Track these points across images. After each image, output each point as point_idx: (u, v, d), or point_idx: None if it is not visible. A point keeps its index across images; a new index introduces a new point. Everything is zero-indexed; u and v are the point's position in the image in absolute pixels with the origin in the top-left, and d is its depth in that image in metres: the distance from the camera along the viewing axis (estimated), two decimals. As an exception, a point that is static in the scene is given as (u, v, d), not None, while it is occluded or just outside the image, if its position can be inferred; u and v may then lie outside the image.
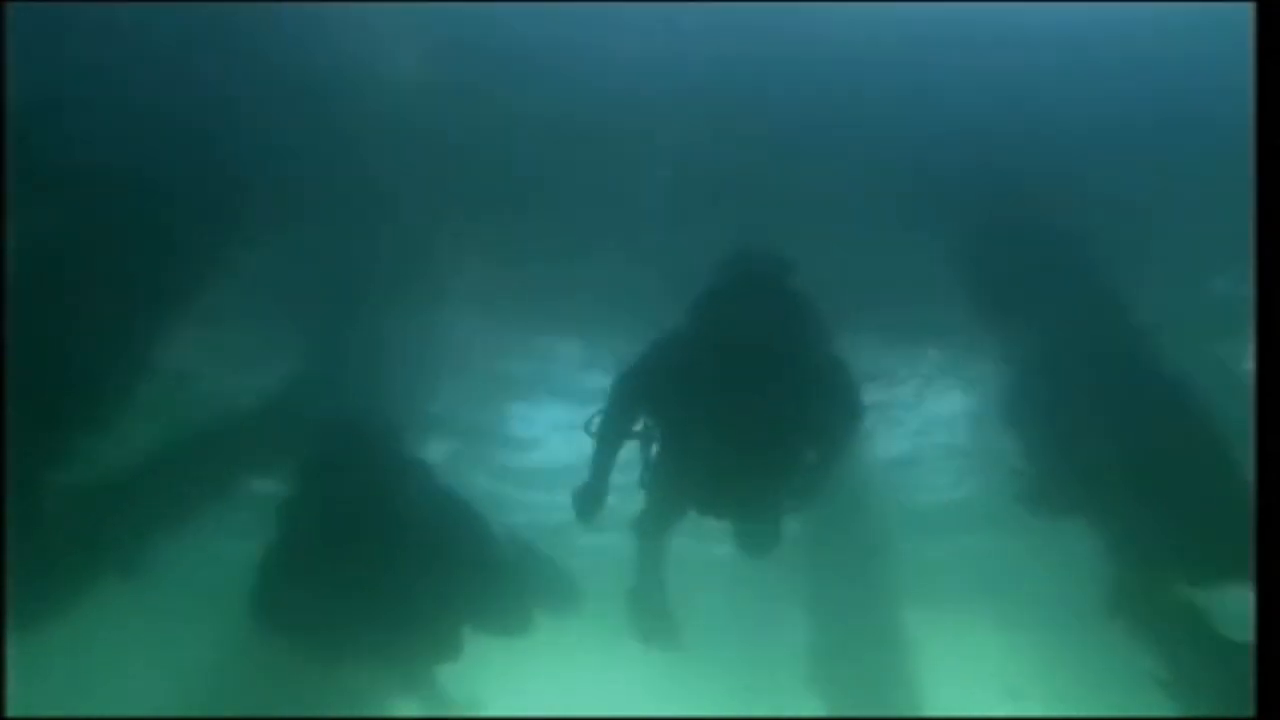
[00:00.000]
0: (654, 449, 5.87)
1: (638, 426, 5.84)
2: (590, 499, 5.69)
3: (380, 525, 5.91)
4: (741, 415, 5.44)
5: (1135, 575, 6.39)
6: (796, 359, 5.47)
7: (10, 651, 5.47)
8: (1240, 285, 8.48)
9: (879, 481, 12.45)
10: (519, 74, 6.76)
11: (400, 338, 9.02)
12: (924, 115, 6.89)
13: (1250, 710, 3.35)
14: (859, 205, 7.50)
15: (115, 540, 7.28)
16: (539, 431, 12.22)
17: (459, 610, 6.28)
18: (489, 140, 7.19)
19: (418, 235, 8.17)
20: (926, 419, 12.26)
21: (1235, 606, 5.31)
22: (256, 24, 6.33)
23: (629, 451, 5.93)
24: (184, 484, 7.88)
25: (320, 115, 6.85)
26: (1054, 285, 7.25)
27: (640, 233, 8.00)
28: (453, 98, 6.84)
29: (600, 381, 6.16)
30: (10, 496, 5.49)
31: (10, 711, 5.35)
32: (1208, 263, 8.50)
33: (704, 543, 8.63)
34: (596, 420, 5.77)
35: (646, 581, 6.42)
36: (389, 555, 5.88)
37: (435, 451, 10.70)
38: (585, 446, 5.89)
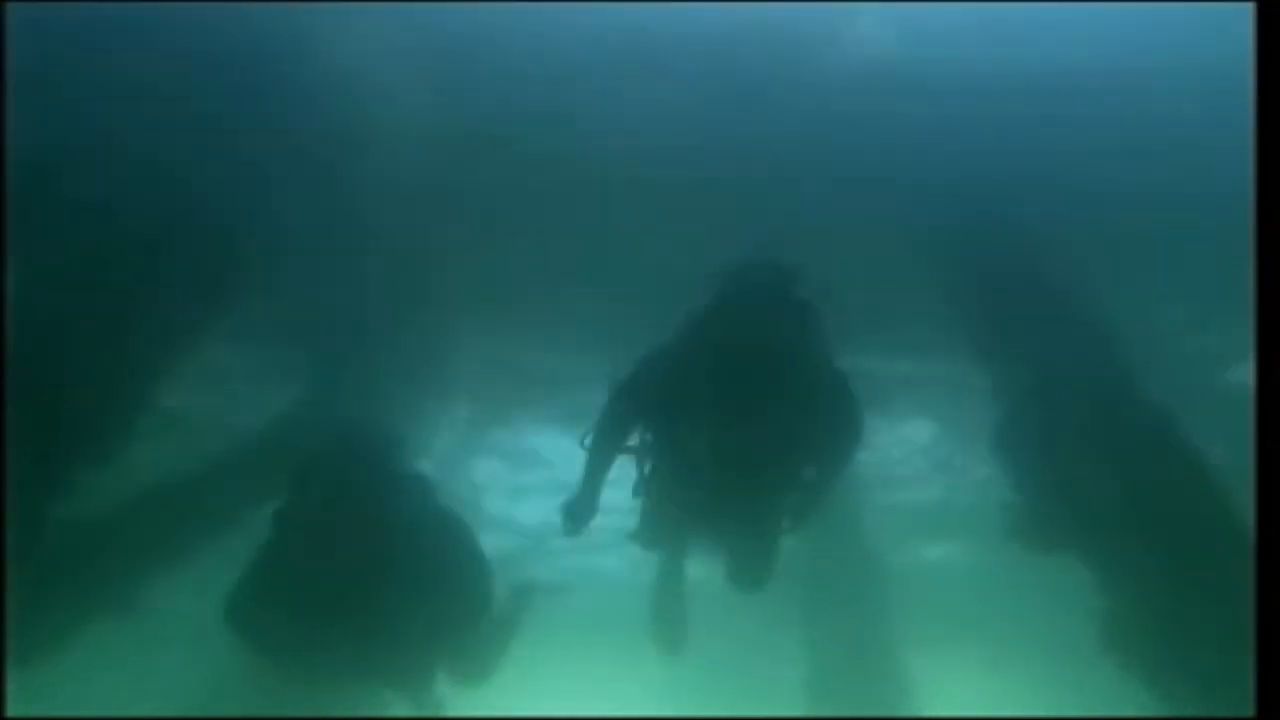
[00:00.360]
0: (648, 462, 5.73)
1: (632, 440, 5.70)
2: (579, 512, 5.53)
3: (367, 540, 5.73)
4: (742, 428, 5.32)
5: (1128, 610, 6.43)
6: (800, 371, 5.34)
7: (9, 687, 5.44)
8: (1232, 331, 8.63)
9: (869, 512, 12.53)
10: (522, 123, 6.88)
11: (400, 369, 9.05)
12: (925, 159, 7.06)
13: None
14: (857, 246, 7.63)
15: (112, 576, 7.26)
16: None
17: (432, 643, 6.08)
18: (488, 188, 7.34)
19: (415, 273, 8.24)
20: (909, 449, 12.38)
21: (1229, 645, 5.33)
22: (260, 69, 6.46)
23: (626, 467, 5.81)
24: (183, 517, 7.87)
25: (322, 159, 6.97)
26: (1047, 321, 7.36)
27: (636, 274, 8.10)
28: (456, 146, 6.95)
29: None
30: (8, 531, 5.46)
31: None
32: (1202, 302, 8.66)
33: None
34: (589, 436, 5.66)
35: (662, 588, 6.32)
36: (373, 573, 5.71)
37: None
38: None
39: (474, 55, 6.65)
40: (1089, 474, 6.61)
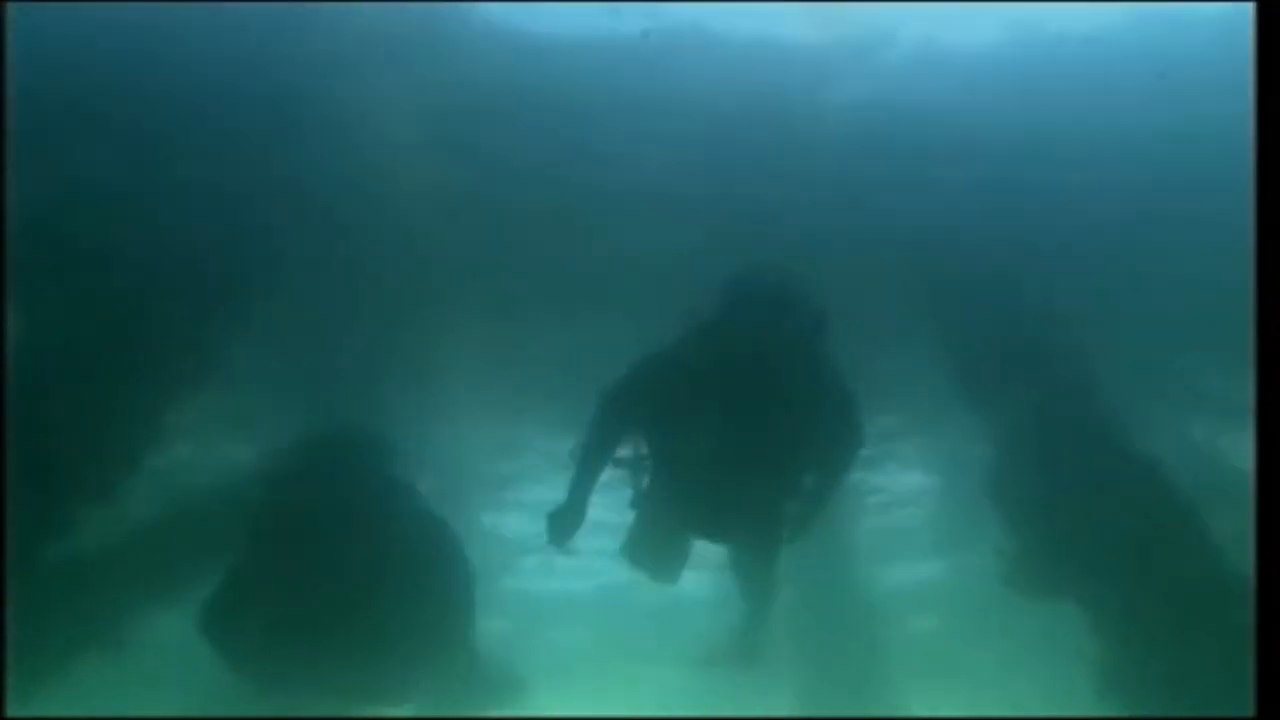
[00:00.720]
0: (645, 474, 5.59)
1: (623, 450, 5.53)
2: (565, 522, 5.31)
3: (347, 543, 5.55)
4: (746, 436, 5.19)
5: (1124, 656, 6.43)
6: (806, 377, 5.23)
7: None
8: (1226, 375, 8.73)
9: (859, 554, 12.55)
10: (521, 174, 7.00)
11: (400, 407, 9.05)
12: (917, 213, 7.22)
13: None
14: (851, 297, 7.71)
15: (106, 612, 7.21)
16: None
17: (413, 653, 5.82)
18: (490, 236, 7.42)
19: (415, 313, 8.31)
20: (900, 494, 12.41)
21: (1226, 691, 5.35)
22: (264, 117, 6.59)
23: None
24: (174, 554, 7.81)
25: (323, 209, 7.08)
26: (1038, 368, 7.47)
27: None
28: (454, 195, 7.05)
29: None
30: (9, 565, 5.43)
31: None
32: (1192, 348, 8.77)
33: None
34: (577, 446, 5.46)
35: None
36: (352, 578, 5.52)
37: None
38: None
39: (475, 111, 6.81)
40: (1084, 520, 6.68)
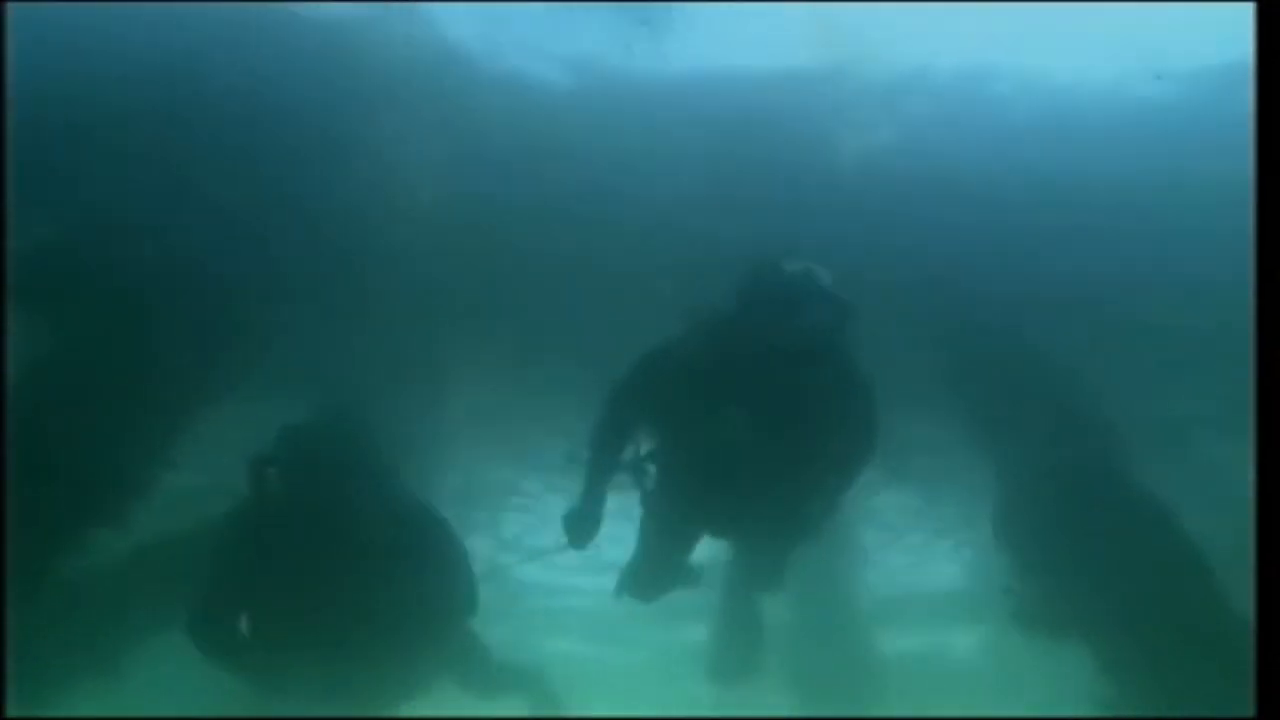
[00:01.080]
0: (653, 469, 5.34)
1: (629, 452, 5.31)
2: (583, 522, 5.18)
3: (335, 535, 5.29)
4: (763, 429, 4.96)
5: (1130, 698, 6.40)
6: (832, 373, 5.02)
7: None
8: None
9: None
10: (530, 211, 7.05)
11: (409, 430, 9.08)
12: (927, 252, 7.26)
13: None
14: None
15: (107, 636, 7.20)
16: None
17: (411, 648, 5.54)
18: (496, 273, 7.49)
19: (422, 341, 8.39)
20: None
21: None
22: (275, 142, 6.70)
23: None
24: (173, 578, 7.77)
25: (338, 241, 7.16)
26: (1047, 407, 7.50)
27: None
28: (460, 231, 7.11)
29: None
30: (15, 584, 5.43)
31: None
32: (1205, 398, 8.78)
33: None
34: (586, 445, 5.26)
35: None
36: (341, 570, 5.27)
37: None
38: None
39: (483, 137, 6.90)
40: (1092, 562, 6.69)
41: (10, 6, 5.56)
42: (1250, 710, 3.30)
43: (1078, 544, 6.82)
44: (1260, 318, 3.26)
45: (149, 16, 6.15)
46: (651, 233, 7.16)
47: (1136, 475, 7.08)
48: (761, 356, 4.93)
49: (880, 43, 6.71)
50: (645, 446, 5.39)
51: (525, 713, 6.96)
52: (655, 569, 5.74)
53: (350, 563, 5.28)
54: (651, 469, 5.36)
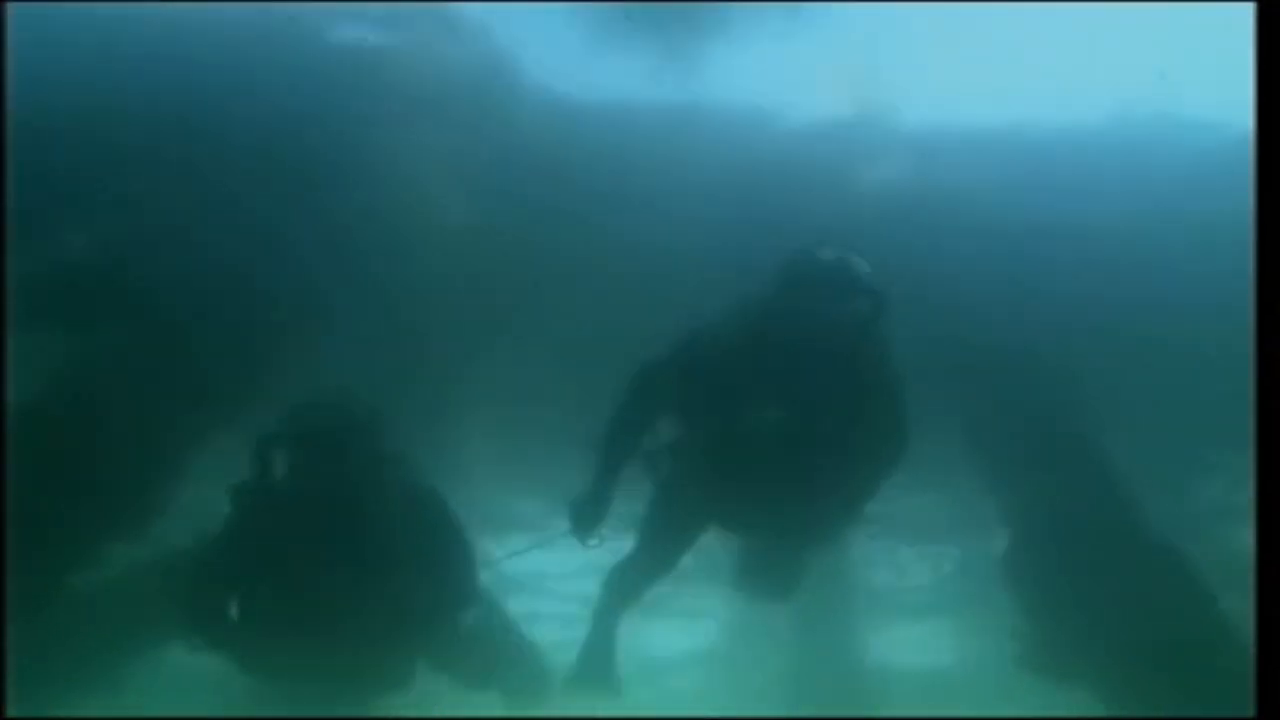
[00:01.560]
0: (668, 461, 5.06)
1: (651, 436, 5.05)
2: (590, 511, 4.91)
3: (341, 518, 5.05)
4: (790, 420, 4.71)
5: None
6: (858, 363, 4.78)
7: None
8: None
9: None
10: (557, 220, 7.16)
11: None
12: (941, 291, 7.26)
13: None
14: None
15: (112, 648, 7.20)
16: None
17: (411, 634, 5.31)
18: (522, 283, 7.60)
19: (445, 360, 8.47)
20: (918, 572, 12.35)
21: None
22: (316, 165, 6.85)
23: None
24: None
25: (353, 247, 7.23)
26: (1055, 452, 7.52)
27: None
28: (488, 240, 7.18)
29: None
30: (29, 596, 5.45)
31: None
32: (1203, 440, 8.78)
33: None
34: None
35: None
36: (345, 555, 5.03)
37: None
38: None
39: (515, 156, 7.02)
40: (1100, 606, 6.65)
41: (10, 8, 5.63)
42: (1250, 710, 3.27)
43: (1087, 587, 6.78)
44: (1260, 321, 3.23)
45: (188, 31, 6.35)
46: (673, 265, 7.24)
47: (1146, 519, 7.07)
48: (793, 345, 4.73)
49: (904, 87, 6.81)
50: (665, 434, 5.11)
51: (504, 709, 6.73)
52: (651, 564, 5.49)
53: (350, 547, 5.05)
54: (668, 458, 5.08)
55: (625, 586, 5.56)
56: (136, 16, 6.47)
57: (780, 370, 4.72)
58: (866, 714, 11.88)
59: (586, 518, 4.92)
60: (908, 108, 7.23)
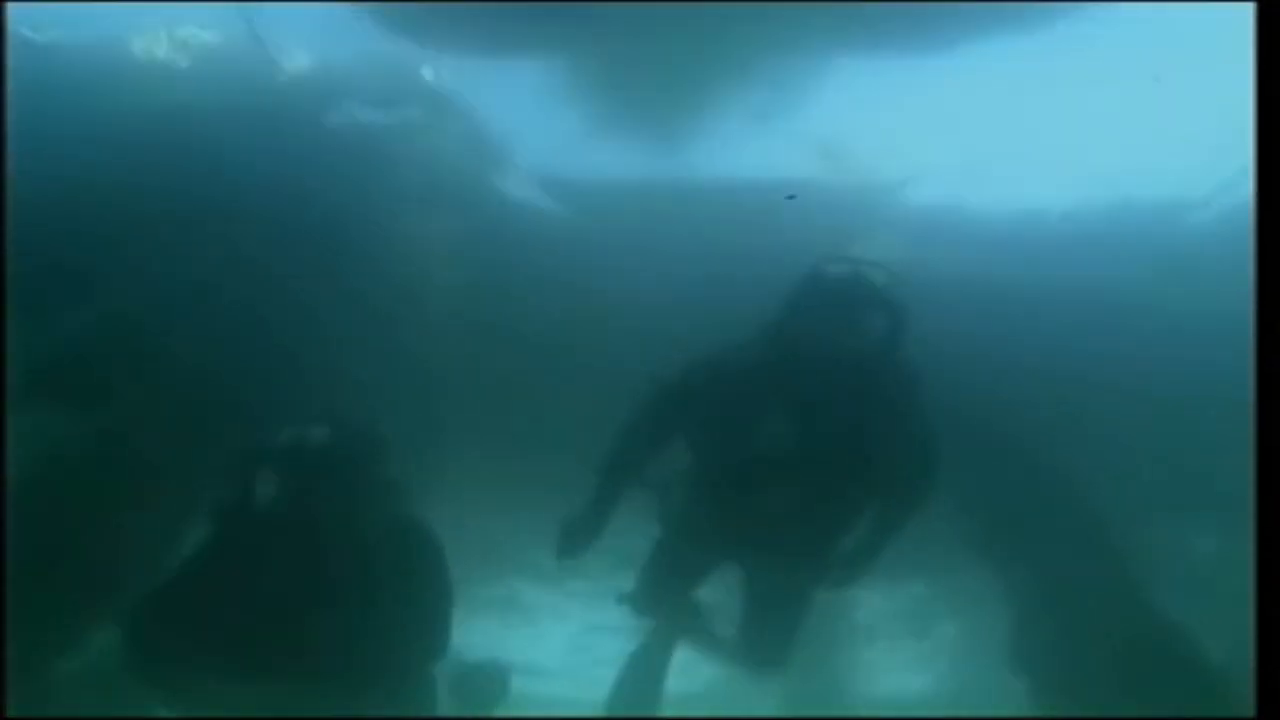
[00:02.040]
0: (676, 488, 4.85)
1: (656, 463, 4.81)
2: (580, 532, 4.63)
3: (319, 549, 4.55)
4: (810, 443, 4.45)
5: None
6: (878, 387, 4.51)
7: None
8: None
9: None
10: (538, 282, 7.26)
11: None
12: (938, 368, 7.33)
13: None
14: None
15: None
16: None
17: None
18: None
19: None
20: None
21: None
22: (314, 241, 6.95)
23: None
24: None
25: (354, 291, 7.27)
26: (1059, 530, 7.45)
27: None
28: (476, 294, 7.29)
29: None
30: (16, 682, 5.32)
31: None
32: (1209, 512, 8.75)
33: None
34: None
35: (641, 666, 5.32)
36: (315, 590, 4.50)
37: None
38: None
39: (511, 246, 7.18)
40: (1107, 685, 6.57)
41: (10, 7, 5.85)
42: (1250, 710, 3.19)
43: (1092, 668, 6.71)
44: (1260, 326, 3.19)
45: (196, 115, 6.62)
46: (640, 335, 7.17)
47: (1151, 595, 6.99)
48: (806, 366, 4.47)
49: (873, 156, 6.94)
50: (676, 461, 4.85)
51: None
52: (659, 594, 5.23)
53: (329, 582, 4.56)
54: (679, 487, 4.87)
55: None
56: (147, 111, 6.82)
57: (793, 392, 4.48)
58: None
59: (577, 537, 4.67)
60: (891, 185, 7.35)
